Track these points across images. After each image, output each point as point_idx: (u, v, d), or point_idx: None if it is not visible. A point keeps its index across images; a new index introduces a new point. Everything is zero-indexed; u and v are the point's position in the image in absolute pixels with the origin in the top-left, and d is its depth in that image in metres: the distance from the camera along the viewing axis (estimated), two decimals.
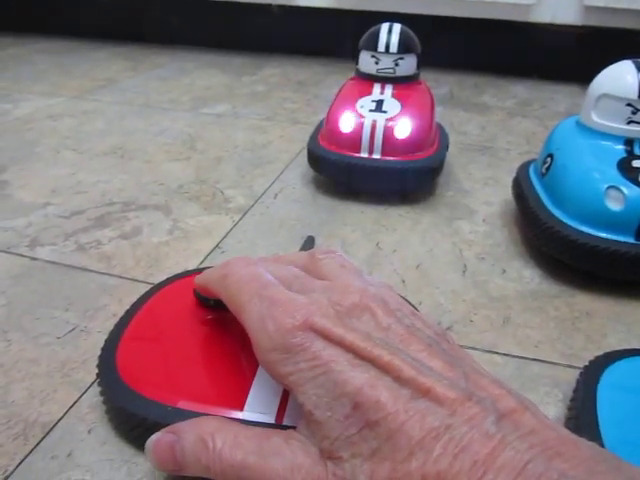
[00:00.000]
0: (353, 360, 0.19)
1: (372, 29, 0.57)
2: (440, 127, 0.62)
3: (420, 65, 0.58)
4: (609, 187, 0.40)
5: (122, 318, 0.32)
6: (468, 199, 0.56)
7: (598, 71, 0.45)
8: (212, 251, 0.46)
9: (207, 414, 0.25)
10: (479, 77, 1.04)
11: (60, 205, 0.53)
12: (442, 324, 0.38)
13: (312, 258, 0.26)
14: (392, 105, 0.54)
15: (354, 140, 0.53)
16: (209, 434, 0.22)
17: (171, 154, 0.66)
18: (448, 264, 0.45)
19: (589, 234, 0.40)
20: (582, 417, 0.28)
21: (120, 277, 0.42)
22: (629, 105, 0.42)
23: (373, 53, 0.56)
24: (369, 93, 0.56)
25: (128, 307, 0.33)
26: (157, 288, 0.35)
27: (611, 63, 0.44)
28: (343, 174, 0.53)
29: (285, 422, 0.25)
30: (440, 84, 0.98)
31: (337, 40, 1.13)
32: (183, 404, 0.26)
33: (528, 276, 0.44)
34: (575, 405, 0.29)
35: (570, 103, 0.90)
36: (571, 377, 0.32)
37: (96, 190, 0.56)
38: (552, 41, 1.00)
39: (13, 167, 0.61)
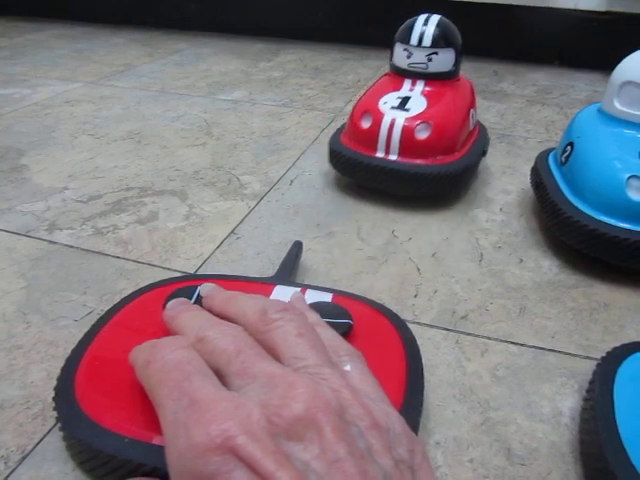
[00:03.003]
0: None
1: (409, 20, 0.53)
2: (481, 130, 0.58)
3: (460, 60, 0.53)
4: (631, 177, 0.40)
5: (86, 335, 0.30)
6: (485, 187, 0.56)
7: (621, 58, 0.44)
8: (228, 237, 0.46)
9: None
10: (499, 64, 1.02)
11: (78, 190, 0.53)
12: (457, 313, 0.38)
13: (264, 318, 0.21)
14: (417, 103, 0.50)
15: (371, 138, 0.50)
16: None
17: (187, 140, 0.66)
18: (464, 253, 0.45)
19: (609, 224, 0.40)
20: (598, 408, 0.28)
21: (136, 262, 0.42)
22: None
23: (406, 46, 0.52)
24: (398, 89, 0.52)
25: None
26: (126, 301, 0.33)
27: (635, 50, 0.43)
28: (356, 173, 0.51)
29: None
30: None
31: (353, 25, 1.12)
32: (141, 435, 0.24)
33: (545, 266, 0.43)
34: (591, 396, 0.29)
35: (591, 91, 0.89)
36: (588, 368, 0.32)
37: (113, 175, 0.57)
38: (574, 27, 0.98)
39: (31, 152, 0.61)
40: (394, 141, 0.49)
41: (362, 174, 0.50)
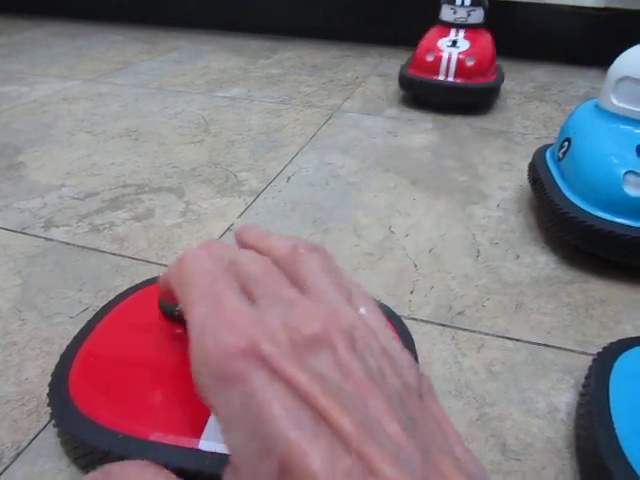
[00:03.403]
0: (295, 406, 0.16)
1: None
2: (499, 66, 0.82)
3: (487, 16, 0.77)
4: (627, 172, 0.40)
5: (80, 331, 0.29)
6: (482, 184, 0.55)
7: (619, 54, 0.44)
8: (224, 233, 0.46)
9: (162, 443, 0.23)
10: (498, 60, 1.02)
11: (74, 187, 0.53)
12: (454, 309, 0.38)
13: (294, 252, 0.22)
14: (464, 43, 0.75)
15: (434, 67, 0.74)
16: None
17: (185, 137, 0.66)
18: (461, 249, 0.45)
19: (606, 220, 0.40)
20: (594, 404, 0.28)
21: (133, 258, 0.42)
22: None
23: (452, 6, 0.77)
24: (447, 35, 0.77)
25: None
26: (121, 297, 0.32)
27: (633, 46, 0.43)
28: (425, 91, 0.76)
29: None
30: None
31: (354, 23, 1.12)
32: (135, 431, 0.24)
33: (542, 262, 0.43)
34: (587, 392, 0.29)
35: (590, 87, 0.88)
36: (584, 364, 0.32)
37: (110, 172, 0.56)
38: (573, 24, 0.98)
39: (29, 149, 0.61)
40: (451, 68, 0.74)
41: (429, 91, 0.76)
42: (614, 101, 0.43)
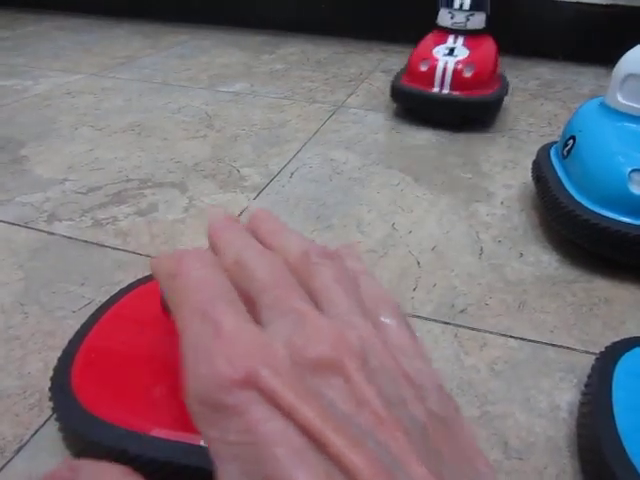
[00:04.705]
0: (301, 444, 0.14)
1: None
2: (503, 76, 0.73)
3: (489, 22, 0.69)
4: (633, 170, 0.39)
5: (82, 326, 0.29)
6: (487, 182, 0.55)
7: (625, 52, 0.43)
8: None
9: (164, 439, 0.23)
10: (503, 58, 1.01)
11: (77, 181, 0.53)
12: (456, 307, 0.37)
13: (306, 258, 0.20)
14: (462, 51, 0.67)
15: (429, 78, 0.66)
16: None
17: (188, 132, 0.65)
18: (464, 247, 0.44)
19: (611, 218, 0.39)
20: (596, 403, 0.28)
21: (135, 253, 0.42)
22: None
23: (450, 10, 0.68)
24: (444, 42, 0.68)
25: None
26: (123, 292, 0.32)
27: (639, 43, 0.43)
28: (417, 104, 0.68)
29: None
30: None
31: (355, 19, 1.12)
32: (138, 426, 0.24)
33: (546, 261, 0.43)
34: (590, 391, 0.29)
35: (595, 85, 0.88)
36: (587, 363, 0.32)
37: (113, 167, 0.56)
38: (579, 21, 0.97)
39: (32, 143, 0.61)
40: (447, 79, 0.65)
41: (422, 104, 0.67)
42: (620, 99, 0.42)
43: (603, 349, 0.31)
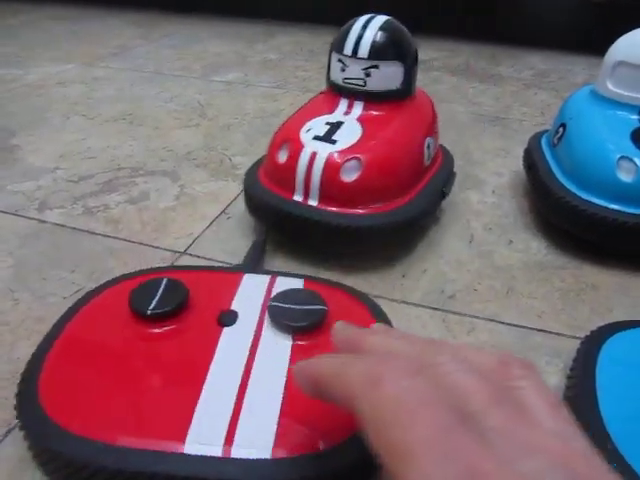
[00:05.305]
0: None
1: (348, 22, 0.41)
2: (445, 161, 0.46)
3: (413, 76, 0.41)
4: (621, 158, 0.39)
5: (48, 335, 0.28)
6: (478, 170, 0.55)
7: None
8: (218, 216, 0.46)
9: (144, 450, 0.22)
10: (496, 47, 1.01)
11: (69, 169, 0.53)
12: (445, 293, 0.38)
13: (505, 369, 0.18)
14: (349, 132, 0.38)
15: (287, 177, 0.38)
16: None
17: (180, 121, 0.65)
18: (455, 234, 0.45)
19: (599, 205, 0.39)
20: (580, 386, 0.28)
21: (126, 241, 0.42)
22: None
23: (340, 56, 0.39)
24: (331, 111, 0.40)
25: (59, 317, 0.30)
26: (89, 297, 0.31)
27: None
28: (270, 219, 0.40)
29: (233, 454, 0.22)
30: (456, 54, 0.96)
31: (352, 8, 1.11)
32: (116, 439, 0.22)
33: (535, 247, 0.43)
34: (574, 374, 0.29)
35: (588, 74, 0.88)
36: (573, 348, 0.32)
37: (105, 155, 0.56)
38: (573, 10, 0.97)
39: (23, 132, 0.61)
40: (314, 181, 0.37)
41: (275, 221, 0.39)
42: (610, 86, 0.42)
43: (588, 334, 0.31)
